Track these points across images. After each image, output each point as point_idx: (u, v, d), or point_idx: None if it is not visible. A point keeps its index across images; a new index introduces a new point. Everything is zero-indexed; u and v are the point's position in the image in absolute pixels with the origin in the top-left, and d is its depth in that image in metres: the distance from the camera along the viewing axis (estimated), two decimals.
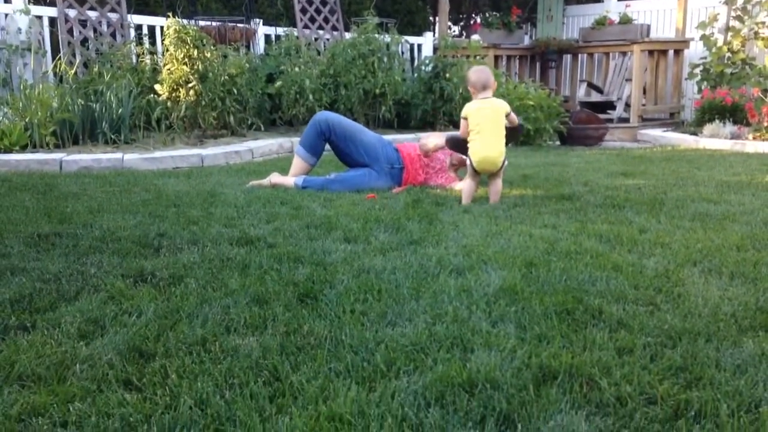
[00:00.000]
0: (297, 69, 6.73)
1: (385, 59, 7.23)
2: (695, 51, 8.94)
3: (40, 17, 6.14)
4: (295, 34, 7.71)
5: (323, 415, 1.35)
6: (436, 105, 7.54)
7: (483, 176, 3.70)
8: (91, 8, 6.51)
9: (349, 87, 6.99)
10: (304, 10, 8.07)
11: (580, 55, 9.87)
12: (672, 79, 9.01)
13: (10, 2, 5.91)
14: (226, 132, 6.29)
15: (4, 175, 4.27)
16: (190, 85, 5.82)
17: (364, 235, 2.77)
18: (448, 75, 7.47)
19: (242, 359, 1.60)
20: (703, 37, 8.42)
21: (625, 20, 8.86)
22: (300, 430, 1.30)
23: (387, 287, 2.09)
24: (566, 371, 1.53)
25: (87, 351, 1.64)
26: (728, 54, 8.32)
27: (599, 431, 1.32)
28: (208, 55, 5.92)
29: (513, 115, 3.74)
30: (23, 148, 5.03)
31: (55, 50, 6.29)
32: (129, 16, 6.73)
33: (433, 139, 4.14)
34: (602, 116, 8.15)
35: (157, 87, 5.87)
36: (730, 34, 8.37)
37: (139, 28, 6.80)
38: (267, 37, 7.80)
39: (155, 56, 6.45)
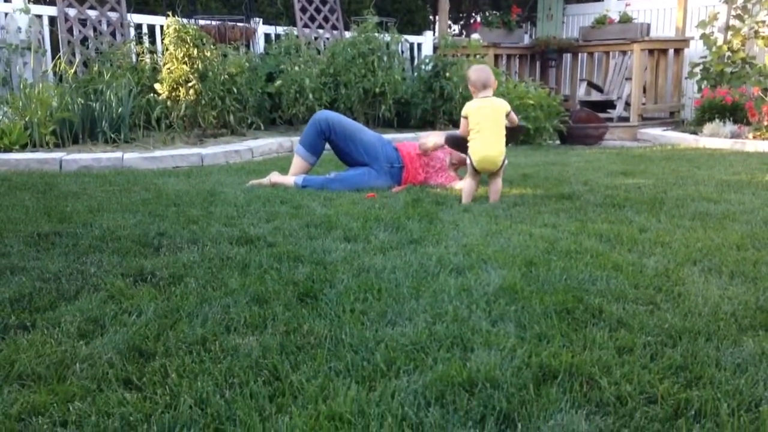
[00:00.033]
0: (297, 68, 6.73)
1: (385, 58, 7.22)
2: (695, 50, 8.94)
3: (39, 16, 6.13)
4: (295, 33, 7.70)
5: (323, 414, 1.35)
6: (436, 104, 7.54)
7: (483, 175, 3.70)
8: (91, 7, 6.51)
9: (348, 86, 6.98)
10: (303, 9, 8.07)
11: (580, 54, 9.87)
12: (672, 78, 9.01)
13: (10, 1, 5.90)
14: (225, 131, 6.29)
15: (3, 175, 4.27)
16: (189, 84, 5.82)
17: (364, 235, 2.77)
18: (448, 74, 7.45)
19: (242, 359, 1.60)
20: (703, 36, 8.42)
21: (625, 19, 8.86)
22: (300, 430, 1.30)
23: (387, 286, 2.09)
24: (566, 370, 1.53)
25: (87, 350, 1.64)
26: (728, 53, 8.32)
27: (599, 430, 1.32)
28: (208, 54, 5.92)
29: (513, 115, 3.74)
30: (23, 148, 5.03)
31: (55, 49, 6.29)
32: (129, 15, 6.73)
33: (433, 138, 4.13)
34: (602, 115, 8.15)
35: (156, 86, 5.87)
36: (730, 33, 8.36)
37: (138, 27, 6.80)
38: (267, 36, 7.80)
39: (155, 55, 6.45)
